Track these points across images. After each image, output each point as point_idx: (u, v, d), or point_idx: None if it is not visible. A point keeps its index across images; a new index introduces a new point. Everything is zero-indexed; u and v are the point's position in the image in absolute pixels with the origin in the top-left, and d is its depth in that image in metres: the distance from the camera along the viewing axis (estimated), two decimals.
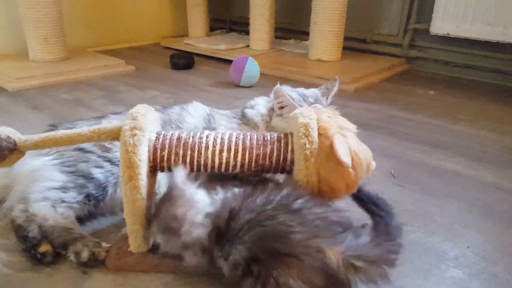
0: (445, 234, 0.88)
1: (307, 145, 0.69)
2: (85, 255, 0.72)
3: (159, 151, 0.72)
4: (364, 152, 0.73)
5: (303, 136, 0.69)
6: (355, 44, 2.57)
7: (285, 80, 2.08)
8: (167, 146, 0.72)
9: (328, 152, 0.67)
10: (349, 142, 0.69)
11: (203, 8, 2.86)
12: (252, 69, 1.95)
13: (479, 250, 0.84)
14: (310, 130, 0.70)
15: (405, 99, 1.87)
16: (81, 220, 0.85)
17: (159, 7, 3.01)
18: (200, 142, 0.73)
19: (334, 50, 2.32)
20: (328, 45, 2.30)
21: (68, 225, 0.77)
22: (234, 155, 0.73)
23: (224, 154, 0.73)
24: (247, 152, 0.73)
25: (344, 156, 0.66)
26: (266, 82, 2.03)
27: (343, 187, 0.69)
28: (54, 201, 0.80)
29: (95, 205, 0.86)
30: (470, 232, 0.90)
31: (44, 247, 0.73)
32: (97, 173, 0.87)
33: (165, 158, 0.72)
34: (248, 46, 2.67)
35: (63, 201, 0.81)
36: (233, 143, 0.73)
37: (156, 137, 0.73)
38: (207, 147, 0.73)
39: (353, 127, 0.76)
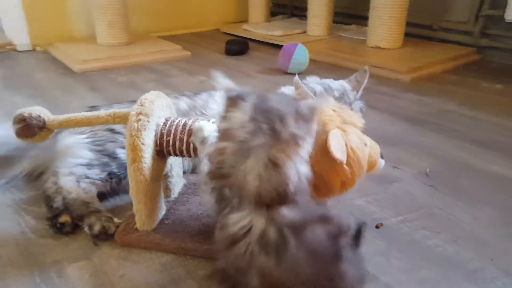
0: (468, 244, 0.81)
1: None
2: (97, 228, 0.78)
3: (165, 136, 0.75)
4: (368, 149, 0.69)
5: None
6: (420, 31, 2.40)
7: (337, 68, 2.03)
8: (172, 131, 0.75)
9: (323, 147, 0.65)
10: (349, 138, 0.66)
11: None
12: (300, 56, 1.91)
13: (504, 265, 0.76)
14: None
15: (466, 92, 1.72)
16: (104, 195, 0.92)
17: None
18: None
19: (394, 37, 2.19)
20: (387, 32, 2.18)
21: (88, 199, 0.84)
22: None
23: None
24: None
25: (337, 152, 0.63)
26: (316, 69, 1.98)
27: (338, 184, 0.66)
28: (79, 176, 0.87)
29: (117, 182, 0.92)
30: (499, 244, 0.81)
31: (64, 218, 0.80)
32: (121, 153, 0.92)
33: (170, 143, 0.75)
34: (305, 32, 2.62)
35: (87, 177, 0.88)
36: None
37: (164, 123, 0.76)
38: None
39: (360, 122, 0.72)
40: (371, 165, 0.70)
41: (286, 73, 1.95)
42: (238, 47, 2.34)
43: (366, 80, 1.04)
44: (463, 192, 0.99)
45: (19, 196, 0.93)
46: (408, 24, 2.20)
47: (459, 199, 0.96)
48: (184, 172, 0.96)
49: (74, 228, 0.82)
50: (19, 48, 2.24)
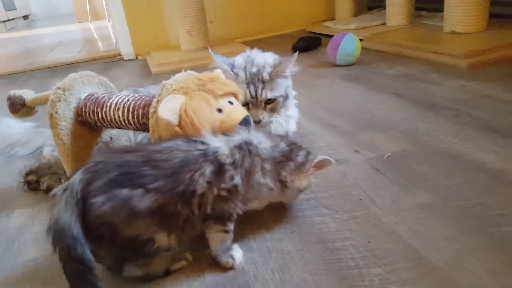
0: (358, 224, 0.74)
1: (154, 104, 0.73)
2: (44, 184, 0.98)
3: (83, 108, 0.89)
4: (220, 116, 0.71)
5: (157, 96, 0.74)
6: None
7: (397, 57, 1.90)
8: (88, 104, 0.89)
9: None
10: (189, 102, 0.69)
11: None
12: (347, 47, 1.83)
13: (377, 248, 0.67)
14: (164, 90, 0.73)
15: None
16: None
17: None
18: (107, 102, 0.86)
19: (473, 19, 1.89)
20: (463, 14, 1.90)
21: (53, 164, 1.04)
22: (126, 113, 0.83)
23: (120, 112, 0.84)
24: (135, 111, 0.82)
25: (164, 112, 0.67)
26: (370, 60, 1.88)
27: None
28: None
29: None
30: (393, 228, 0.71)
31: (30, 177, 1.02)
32: None
33: (87, 113, 0.89)
34: (385, 23, 2.46)
35: None
36: (127, 103, 0.83)
37: (85, 97, 0.91)
38: (110, 106, 0.85)
39: (222, 91, 0.73)
40: (226, 131, 0.71)
41: (335, 65, 1.90)
42: (304, 43, 2.35)
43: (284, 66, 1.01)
44: (411, 178, 0.86)
45: (31, 162, 1.20)
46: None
47: (396, 183, 0.85)
48: None
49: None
50: (125, 58, 2.72)
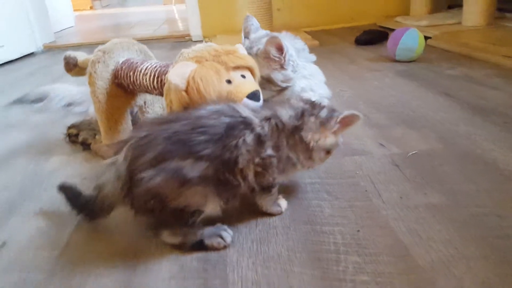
0: (353, 214, 0.72)
1: (170, 69, 0.76)
2: (80, 138, 1.07)
3: (119, 71, 0.96)
4: (228, 87, 0.72)
5: (174, 62, 0.77)
6: None
7: (462, 58, 1.76)
8: (123, 68, 0.95)
9: None
10: (198, 70, 0.71)
11: None
12: (409, 42, 1.74)
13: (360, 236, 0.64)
14: (181, 58, 0.76)
15: None
16: None
17: None
18: (138, 67, 0.92)
19: None
20: None
21: (93, 122, 1.13)
22: (152, 78, 0.88)
23: (147, 77, 0.89)
24: (159, 77, 0.86)
25: (173, 77, 0.70)
26: (433, 59, 1.77)
27: (180, 109, 0.72)
28: None
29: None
30: (389, 223, 0.68)
31: (71, 130, 1.12)
32: None
33: (122, 76, 0.95)
34: (460, 22, 2.28)
35: None
36: (154, 69, 0.88)
37: (123, 61, 0.97)
38: (140, 71, 0.91)
39: (233, 63, 0.74)
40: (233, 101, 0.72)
41: (394, 60, 1.81)
42: (367, 37, 2.27)
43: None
44: (429, 178, 0.81)
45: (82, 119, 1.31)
46: None
47: (411, 181, 0.80)
48: None
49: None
50: (193, 39, 2.84)
